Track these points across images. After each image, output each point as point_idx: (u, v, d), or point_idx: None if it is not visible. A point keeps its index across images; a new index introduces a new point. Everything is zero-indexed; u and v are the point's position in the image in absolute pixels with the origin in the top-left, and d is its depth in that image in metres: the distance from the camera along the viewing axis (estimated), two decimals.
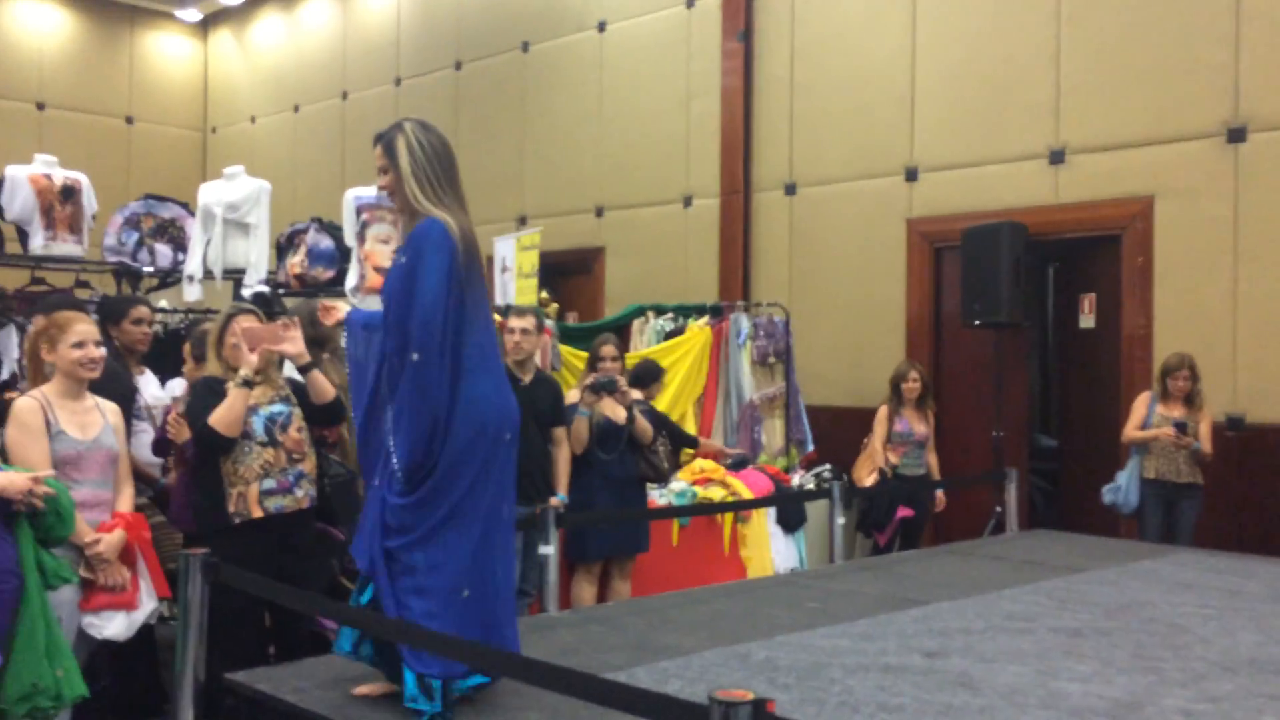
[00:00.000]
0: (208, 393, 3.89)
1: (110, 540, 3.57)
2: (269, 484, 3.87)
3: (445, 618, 2.84)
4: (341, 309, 3.23)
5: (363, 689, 3.09)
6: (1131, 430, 6.23)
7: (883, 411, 6.83)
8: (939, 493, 6.81)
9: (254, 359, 3.82)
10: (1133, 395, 6.49)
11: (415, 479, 2.88)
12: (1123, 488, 6.23)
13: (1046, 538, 6.31)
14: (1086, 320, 7.46)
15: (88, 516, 3.58)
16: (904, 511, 6.61)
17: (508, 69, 11.00)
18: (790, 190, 8.79)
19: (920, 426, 6.79)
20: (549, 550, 4.25)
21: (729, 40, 9.15)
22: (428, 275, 2.88)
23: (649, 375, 6.20)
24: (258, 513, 3.85)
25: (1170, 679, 3.40)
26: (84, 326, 3.74)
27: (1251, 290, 6.50)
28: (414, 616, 2.85)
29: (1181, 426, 5.97)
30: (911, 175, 8.06)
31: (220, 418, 3.79)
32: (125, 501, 3.74)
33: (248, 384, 3.82)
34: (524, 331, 5.23)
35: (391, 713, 2.95)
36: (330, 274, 5.58)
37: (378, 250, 5.38)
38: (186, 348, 4.48)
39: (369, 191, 5.64)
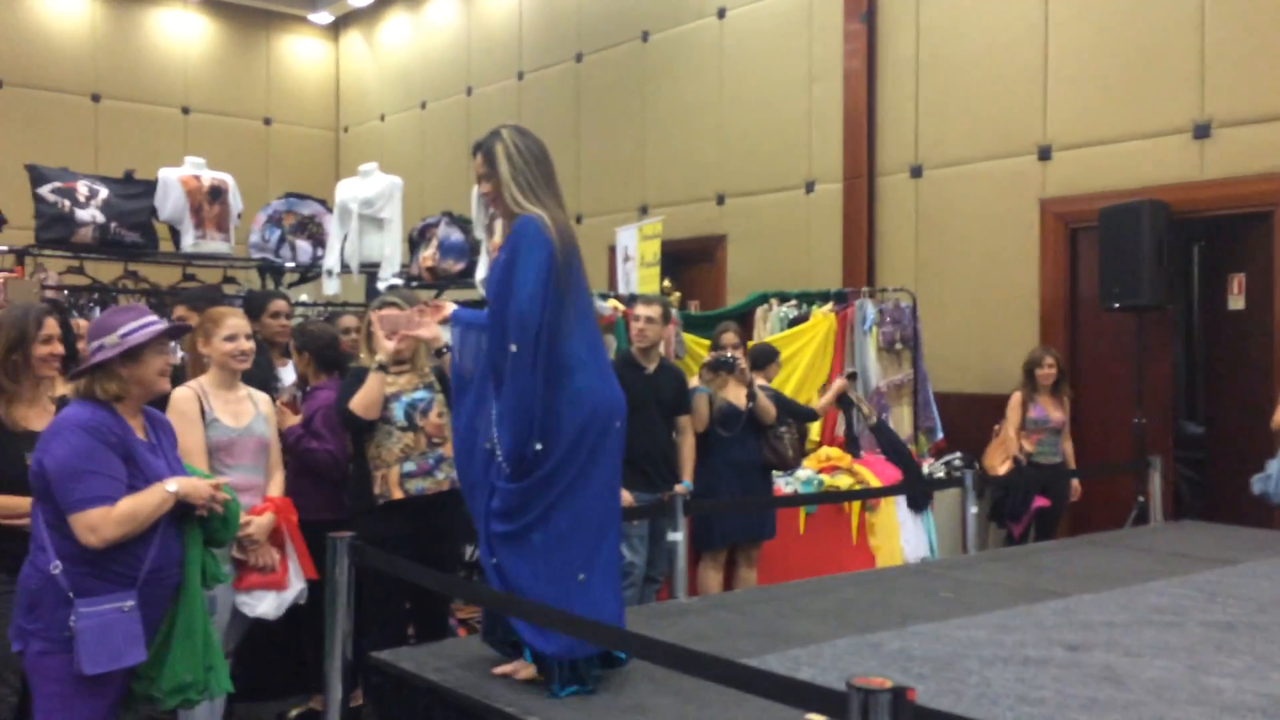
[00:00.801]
0: (355, 381, 4.13)
1: (261, 523, 3.75)
2: (409, 467, 4.09)
3: (559, 600, 2.91)
4: (448, 307, 3.35)
5: (504, 668, 3.17)
6: None
7: (1016, 398, 6.64)
8: (1075, 482, 6.59)
9: (389, 345, 4.00)
10: None
11: (523, 467, 2.96)
12: (1273, 476, 5.91)
13: (1193, 529, 6.05)
14: (1236, 301, 7.10)
15: (241, 500, 3.76)
16: (1040, 501, 6.43)
17: (628, 59, 11.05)
18: (916, 173, 8.60)
19: (1056, 413, 6.59)
20: (677, 537, 4.28)
21: (851, 22, 8.99)
22: (525, 271, 2.97)
23: (764, 357, 6.18)
24: (398, 494, 4.07)
25: None
26: (236, 320, 3.95)
27: None
28: (527, 598, 2.94)
29: None
30: (1045, 154, 7.79)
31: (358, 401, 4.06)
32: (275, 486, 3.93)
33: (383, 368, 4.05)
34: (649, 320, 5.29)
35: (528, 692, 3.03)
36: (461, 266, 5.72)
37: None
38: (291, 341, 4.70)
39: None
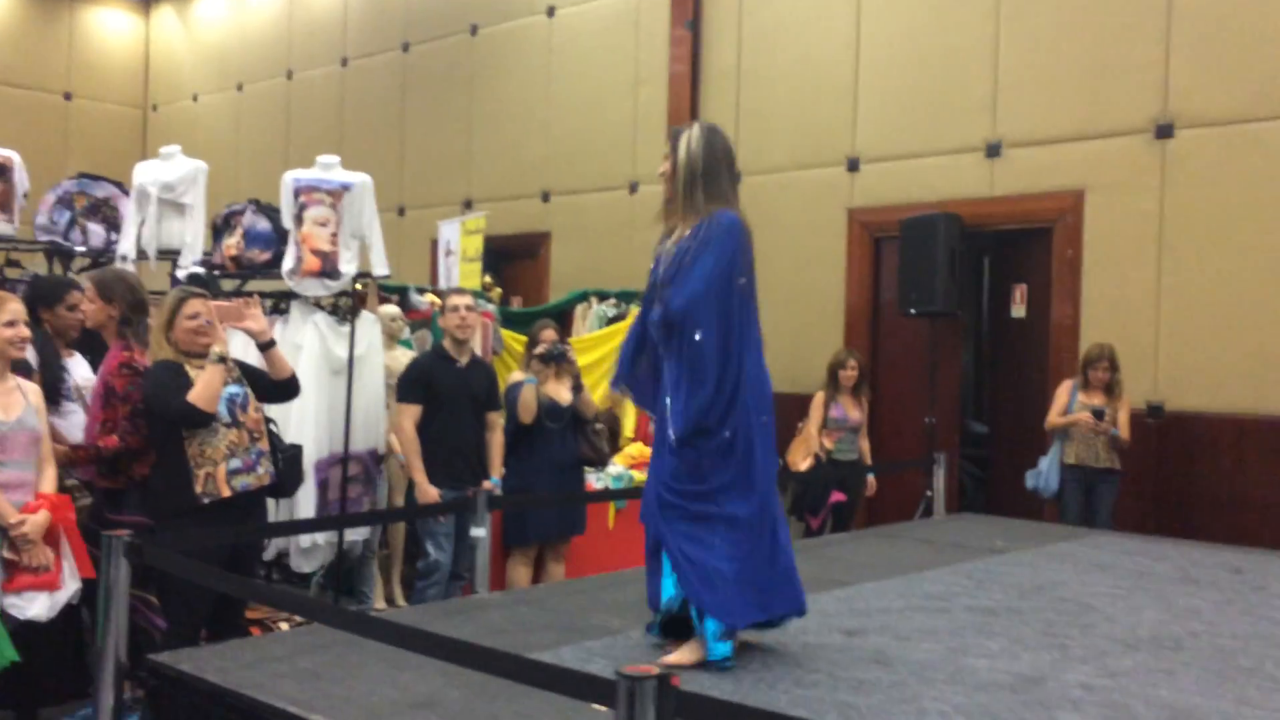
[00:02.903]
0: (170, 374, 3.94)
1: (36, 521, 3.57)
2: (235, 464, 3.99)
3: (730, 575, 3.18)
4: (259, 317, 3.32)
5: (673, 657, 3.27)
6: (1053, 417, 6.42)
7: (819, 398, 6.95)
8: (870, 477, 6.96)
9: (224, 335, 3.91)
10: (1059, 383, 6.67)
11: (699, 444, 3.18)
12: (1044, 473, 6.42)
13: (972, 521, 6.47)
14: (1018, 310, 7.64)
15: (12, 498, 3.57)
16: (837, 496, 6.75)
17: (456, 52, 10.96)
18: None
19: (855, 413, 6.93)
20: (480, 533, 4.30)
21: (677, 28, 9.20)
22: (717, 261, 3.20)
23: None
24: (226, 492, 3.96)
25: (1074, 655, 3.54)
26: (15, 305, 3.75)
27: (1173, 283, 6.71)
28: (702, 569, 3.17)
29: (1099, 414, 6.17)
30: (853, 165, 8.18)
31: (200, 394, 3.88)
32: (48, 482, 3.74)
33: (222, 360, 3.90)
34: (468, 308, 5.30)
35: (313, 691, 3.00)
36: (267, 256, 5.56)
37: (315, 233, 5.38)
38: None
39: (308, 173, 5.64)
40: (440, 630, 3.56)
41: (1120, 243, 6.92)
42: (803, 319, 8.29)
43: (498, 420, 5.48)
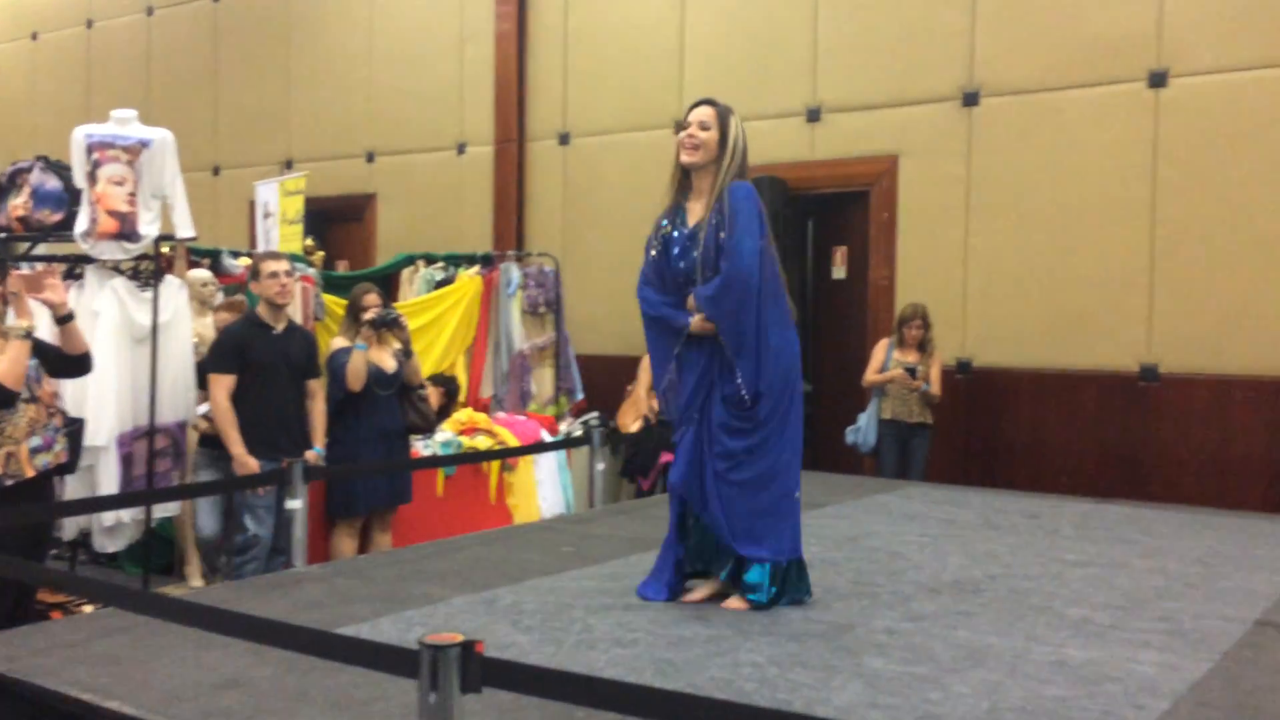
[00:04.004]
0: None
1: None
2: (35, 441, 3.84)
3: (774, 515, 3.56)
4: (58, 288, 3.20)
5: (695, 595, 3.67)
6: (870, 374, 6.68)
7: (646, 359, 6.99)
8: None
9: (31, 309, 3.69)
10: (876, 342, 6.92)
11: (758, 400, 3.51)
12: (862, 428, 6.67)
13: None
14: (839, 271, 7.88)
15: None
16: (666, 457, 6.82)
17: (271, 3, 10.45)
18: (564, 140, 8.80)
19: None
20: (296, 505, 4.16)
21: None
22: (747, 232, 3.48)
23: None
24: (30, 472, 3.81)
25: (882, 602, 3.70)
26: None
27: (980, 245, 7.04)
28: (742, 514, 3.54)
29: (911, 371, 6.45)
30: (680, 128, 8.20)
31: (8, 371, 3.69)
32: None
33: (28, 335, 3.69)
34: (286, 273, 5.11)
35: (111, 675, 2.84)
36: (58, 217, 5.18)
37: (110, 192, 5.03)
38: None
39: (102, 128, 5.27)
40: (253, 607, 3.45)
41: (932, 206, 7.21)
42: (632, 281, 8.26)
43: (318, 388, 5.31)
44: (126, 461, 5.11)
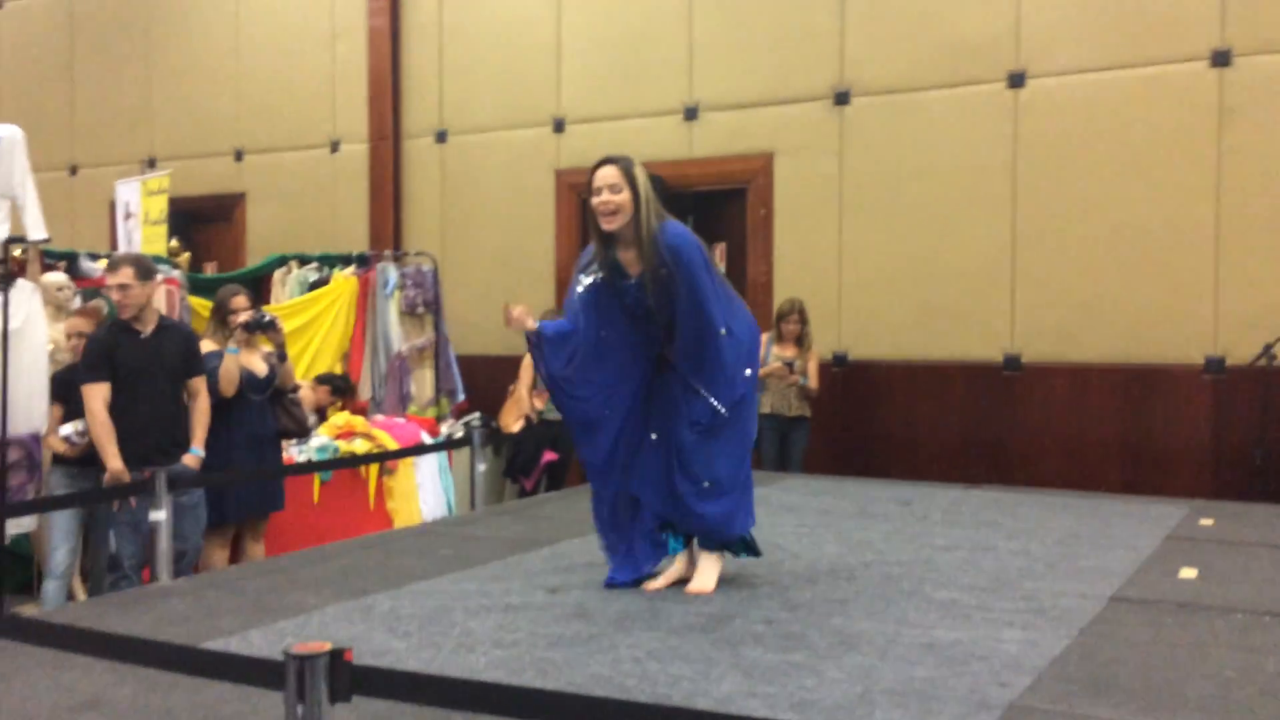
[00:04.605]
0: None
1: None
2: None
3: (745, 490, 3.92)
4: None
5: (655, 584, 3.83)
6: None
7: (528, 359, 6.96)
8: None
9: None
10: None
11: (731, 409, 3.76)
12: None
13: None
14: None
15: None
16: (549, 455, 6.82)
17: None
18: (441, 138, 8.69)
19: None
20: (159, 516, 3.99)
21: None
22: (699, 269, 3.64)
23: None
24: None
25: (761, 592, 3.75)
26: None
27: (852, 241, 7.22)
28: (719, 513, 3.81)
29: (789, 365, 6.57)
30: (559, 126, 8.21)
31: None
32: None
33: None
34: (122, 287, 4.75)
35: None
36: None
37: None
38: None
39: None
40: (115, 624, 3.31)
41: (806, 203, 7.36)
42: (514, 280, 8.28)
43: (200, 386, 5.02)
44: None
